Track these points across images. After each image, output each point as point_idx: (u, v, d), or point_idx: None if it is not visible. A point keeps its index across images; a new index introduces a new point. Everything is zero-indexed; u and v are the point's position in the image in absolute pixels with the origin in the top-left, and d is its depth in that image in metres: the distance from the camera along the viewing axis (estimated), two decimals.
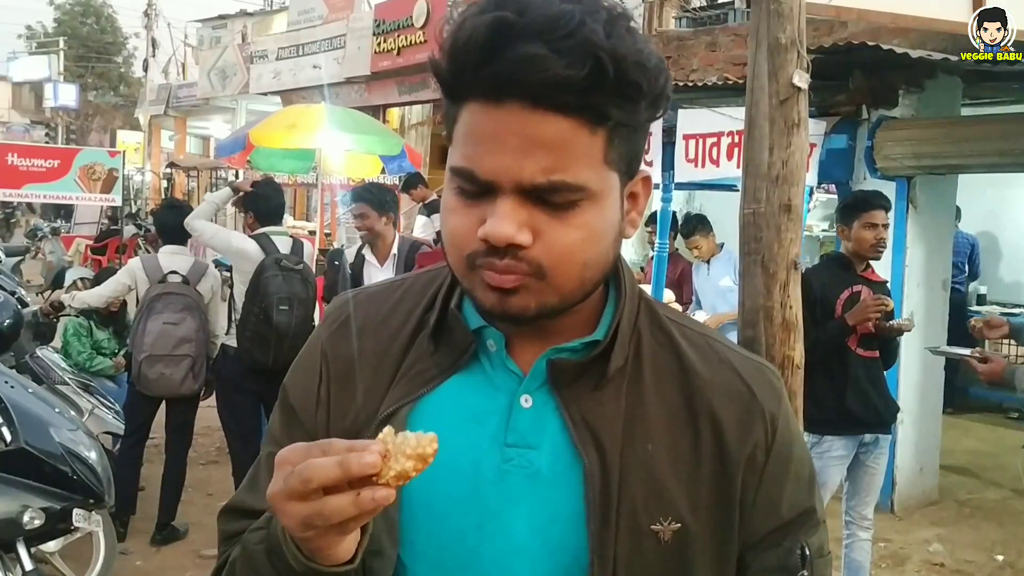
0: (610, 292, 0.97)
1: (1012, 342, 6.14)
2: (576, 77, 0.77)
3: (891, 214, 5.43)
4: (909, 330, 3.92)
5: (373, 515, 0.76)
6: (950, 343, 5.72)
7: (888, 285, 4.13)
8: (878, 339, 3.81)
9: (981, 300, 8.56)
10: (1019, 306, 8.30)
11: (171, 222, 5.08)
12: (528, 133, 0.80)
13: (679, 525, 0.90)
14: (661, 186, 6.30)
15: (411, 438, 0.75)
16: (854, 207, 3.91)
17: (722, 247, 6.37)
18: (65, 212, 19.27)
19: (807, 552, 0.95)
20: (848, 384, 3.73)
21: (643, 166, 0.93)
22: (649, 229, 7.62)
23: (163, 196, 24.60)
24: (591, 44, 0.78)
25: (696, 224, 6.47)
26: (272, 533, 0.83)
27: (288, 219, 15.34)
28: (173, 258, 4.96)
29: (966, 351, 3.94)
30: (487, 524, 0.91)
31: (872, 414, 3.77)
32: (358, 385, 0.96)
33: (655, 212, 5.85)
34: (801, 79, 2.06)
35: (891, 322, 3.77)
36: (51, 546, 3.62)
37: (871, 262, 3.97)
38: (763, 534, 0.95)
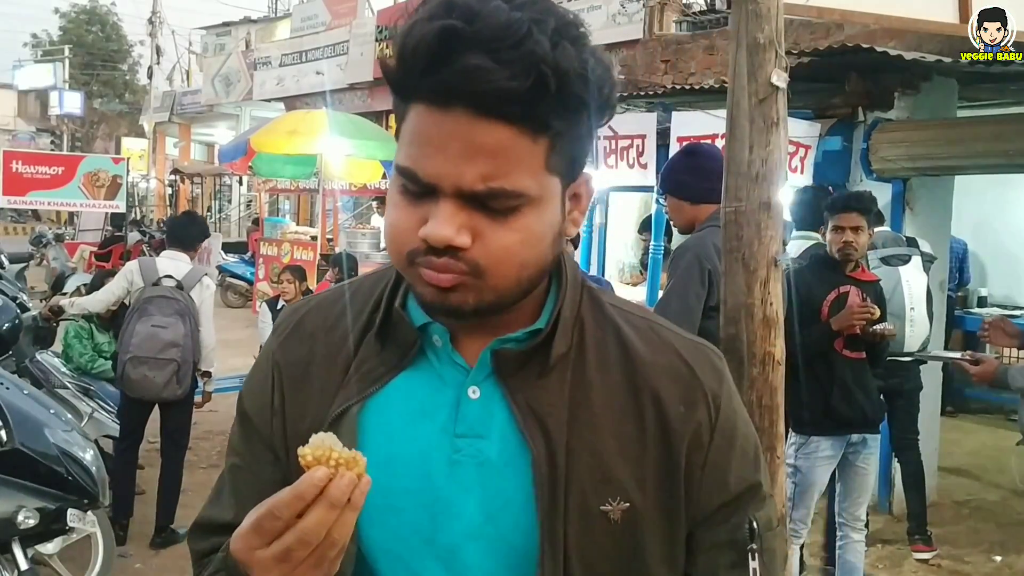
0: (551, 283, 0.98)
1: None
2: (519, 89, 0.79)
3: (888, 215, 5.47)
4: (892, 336, 3.90)
5: (353, 513, 0.79)
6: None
7: (880, 283, 4.09)
8: (864, 340, 3.80)
9: (982, 302, 8.52)
10: (1019, 308, 8.27)
11: (179, 230, 5.16)
12: (471, 140, 0.82)
13: (628, 505, 0.93)
14: (656, 189, 6.31)
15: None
16: (828, 209, 3.90)
17: None
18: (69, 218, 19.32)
19: (756, 526, 0.98)
20: (833, 385, 3.70)
21: (587, 167, 0.95)
22: (644, 237, 7.62)
23: (167, 203, 24.73)
24: (535, 57, 0.79)
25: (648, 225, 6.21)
26: None
27: (291, 224, 15.43)
28: (170, 263, 4.93)
29: (957, 354, 3.93)
30: (441, 513, 0.93)
31: (858, 414, 3.75)
32: (313, 388, 0.98)
33: (648, 216, 5.86)
34: (779, 78, 2.08)
35: (875, 327, 3.73)
36: (50, 548, 3.64)
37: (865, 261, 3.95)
38: (711, 510, 0.97)
